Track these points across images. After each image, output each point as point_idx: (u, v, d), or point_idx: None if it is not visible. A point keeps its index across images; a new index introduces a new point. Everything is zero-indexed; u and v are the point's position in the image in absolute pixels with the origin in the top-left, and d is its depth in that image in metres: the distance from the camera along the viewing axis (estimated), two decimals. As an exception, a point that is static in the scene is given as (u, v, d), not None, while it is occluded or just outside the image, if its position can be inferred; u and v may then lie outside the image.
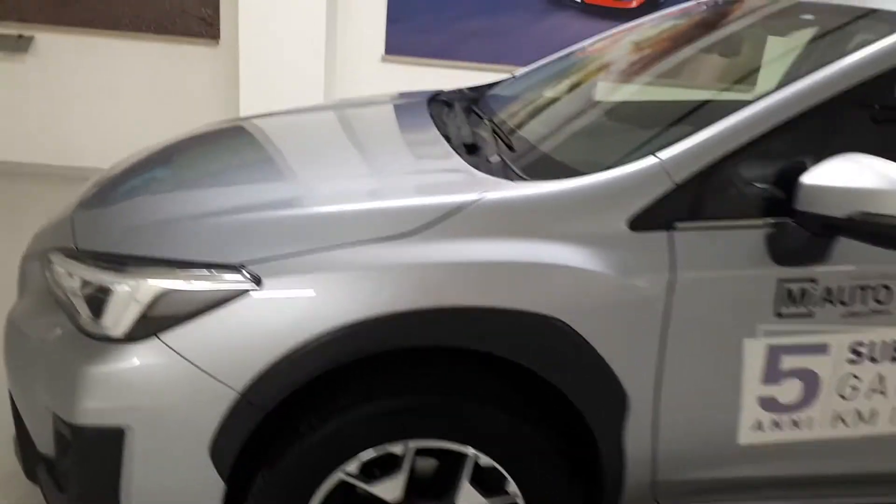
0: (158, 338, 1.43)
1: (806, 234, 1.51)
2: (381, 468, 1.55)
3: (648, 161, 1.55)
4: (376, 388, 1.54)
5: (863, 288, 1.55)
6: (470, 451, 1.55)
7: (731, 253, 1.54)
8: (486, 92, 2.55)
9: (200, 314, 1.42)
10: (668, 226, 1.53)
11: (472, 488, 1.57)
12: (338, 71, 4.60)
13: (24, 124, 4.70)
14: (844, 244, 1.54)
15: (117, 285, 1.46)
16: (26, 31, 4.58)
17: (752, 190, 1.57)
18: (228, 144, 2.20)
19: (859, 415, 1.65)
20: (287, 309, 1.43)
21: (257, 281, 1.43)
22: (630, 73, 2.49)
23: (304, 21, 4.22)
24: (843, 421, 1.65)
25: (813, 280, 1.54)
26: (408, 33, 4.55)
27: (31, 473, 1.74)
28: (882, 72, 1.55)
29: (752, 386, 1.58)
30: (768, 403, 1.61)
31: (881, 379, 1.63)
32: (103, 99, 4.70)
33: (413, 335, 1.47)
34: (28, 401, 1.65)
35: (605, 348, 1.50)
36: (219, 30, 4.53)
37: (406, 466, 1.54)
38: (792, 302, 1.54)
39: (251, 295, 1.42)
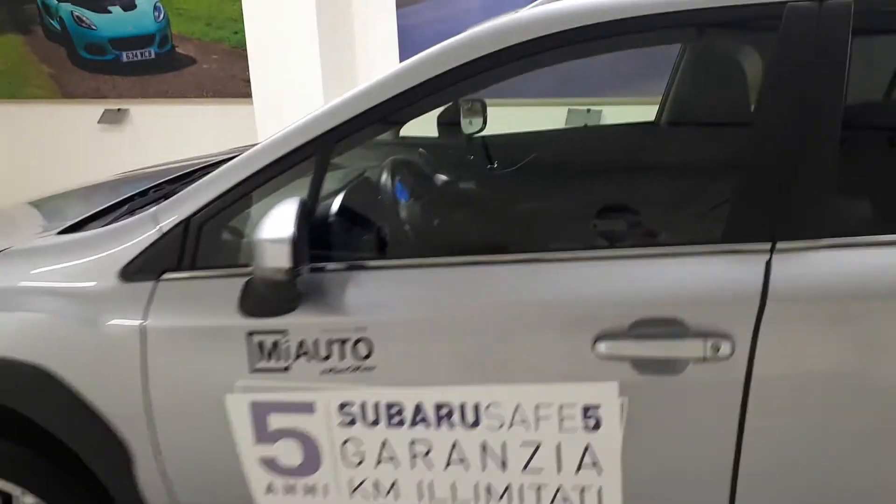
0: None
1: (268, 282, 1.41)
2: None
3: (142, 212, 1.56)
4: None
5: (339, 341, 1.40)
6: (17, 490, 1.65)
7: (209, 304, 1.48)
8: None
9: None
10: (157, 275, 1.52)
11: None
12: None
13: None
14: (313, 293, 1.41)
15: None
16: (123, 105, 5.43)
17: (237, 239, 1.51)
18: None
19: (377, 487, 1.47)
20: None
21: None
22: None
23: (307, 75, 4.51)
24: (362, 492, 1.47)
25: (283, 332, 1.42)
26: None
27: None
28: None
29: (248, 445, 1.49)
30: (271, 465, 1.49)
31: (385, 445, 1.43)
32: (181, 154, 5.38)
33: None
34: None
35: (98, 398, 1.52)
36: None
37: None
38: (265, 356, 1.44)
39: None
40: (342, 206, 1.57)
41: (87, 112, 5.30)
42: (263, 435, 1.47)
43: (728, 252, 1.30)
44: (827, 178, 1.28)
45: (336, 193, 1.70)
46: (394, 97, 1.43)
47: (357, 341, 1.39)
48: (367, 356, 1.39)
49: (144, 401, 1.50)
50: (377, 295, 1.42)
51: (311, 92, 4.48)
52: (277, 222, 1.30)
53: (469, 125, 2.85)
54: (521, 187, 2.22)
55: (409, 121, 1.59)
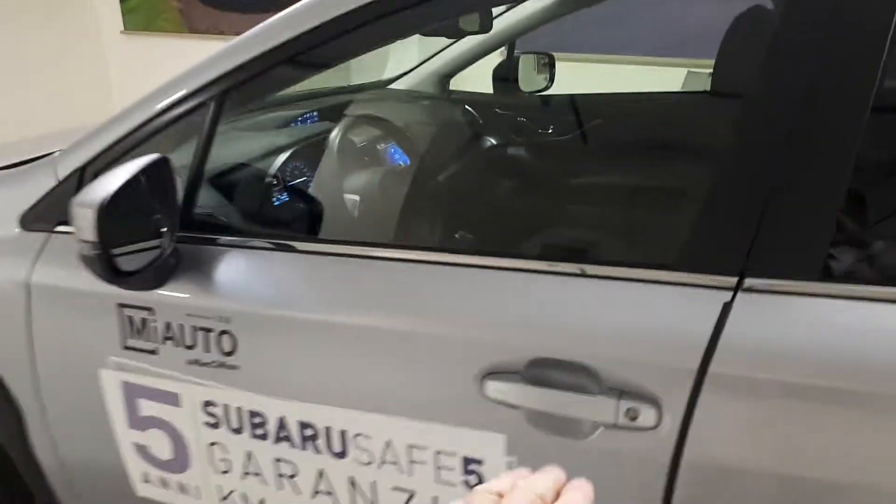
0: None
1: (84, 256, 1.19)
2: None
3: (46, 158, 1.40)
4: None
5: (204, 330, 1.18)
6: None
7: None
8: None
9: None
10: (53, 225, 1.36)
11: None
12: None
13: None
14: (189, 268, 1.19)
15: None
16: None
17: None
18: None
19: (245, 501, 1.25)
20: None
21: None
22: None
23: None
24: (231, 502, 1.26)
25: (150, 309, 1.22)
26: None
27: None
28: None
29: (123, 428, 1.32)
30: (145, 454, 1.32)
31: (250, 457, 1.20)
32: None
33: None
34: None
35: None
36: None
37: None
38: (136, 333, 1.24)
39: None
40: (255, 171, 1.33)
41: (210, 47, 5.35)
42: (135, 420, 1.29)
43: (677, 283, 0.93)
44: (831, 195, 0.87)
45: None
46: (304, 34, 1.15)
47: (221, 333, 1.16)
48: (231, 352, 1.16)
49: (30, 359, 1.36)
50: (251, 281, 1.18)
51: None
52: (103, 183, 1.07)
53: (529, 82, 2.50)
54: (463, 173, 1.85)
55: (333, 64, 1.29)
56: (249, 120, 1.84)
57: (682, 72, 3.51)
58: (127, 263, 1.09)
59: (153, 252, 1.13)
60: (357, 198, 1.46)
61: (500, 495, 0.53)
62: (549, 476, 0.56)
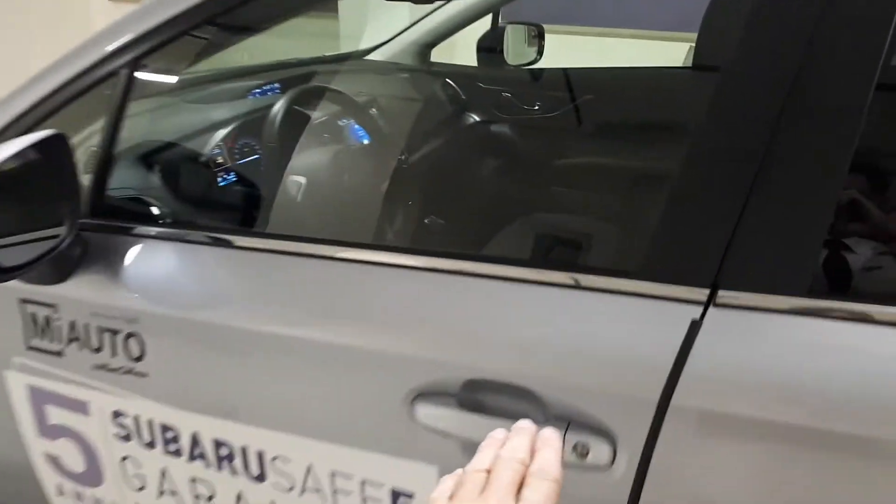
0: None
1: None
2: None
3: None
4: None
5: (110, 332, 1.04)
6: None
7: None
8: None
9: None
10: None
11: None
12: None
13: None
14: (97, 261, 1.05)
15: None
16: None
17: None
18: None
19: (163, 520, 1.12)
20: None
21: None
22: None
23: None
24: (149, 522, 1.13)
25: (53, 306, 1.08)
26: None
27: None
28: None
29: (32, 436, 1.18)
30: (57, 465, 1.19)
31: (165, 475, 1.07)
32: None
33: None
34: None
35: None
36: None
37: None
38: (40, 332, 1.11)
39: None
40: (186, 150, 1.18)
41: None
42: (45, 428, 1.16)
43: (637, 294, 0.78)
44: (824, 193, 0.72)
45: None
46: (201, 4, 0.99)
47: (128, 336, 1.02)
48: (140, 358, 1.02)
49: None
50: (165, 277, 1.03)
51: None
52: None
53: (517, 54, 2.32)
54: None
55: (265, 26, 1.13)
56: (203, 91, 1.69)
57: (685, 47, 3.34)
58: (10, 256, 0.95)
59: (47, 243, 0.98)
60: (301, 183, 1.30)
61: (488, 471, 0.57)
62: (525, 437, 0.60)
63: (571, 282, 0.80)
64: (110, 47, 1.05)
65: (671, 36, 3.43)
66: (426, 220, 1.43)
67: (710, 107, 0.75)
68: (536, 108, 2.22)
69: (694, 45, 2.69)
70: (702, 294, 0.75)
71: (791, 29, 0.71)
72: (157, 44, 1.03)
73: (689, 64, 2.79)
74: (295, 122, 1.39)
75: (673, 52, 3.10)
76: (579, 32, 3.50)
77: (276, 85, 1.85)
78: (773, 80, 0.72)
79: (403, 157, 1.58)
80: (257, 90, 1.78)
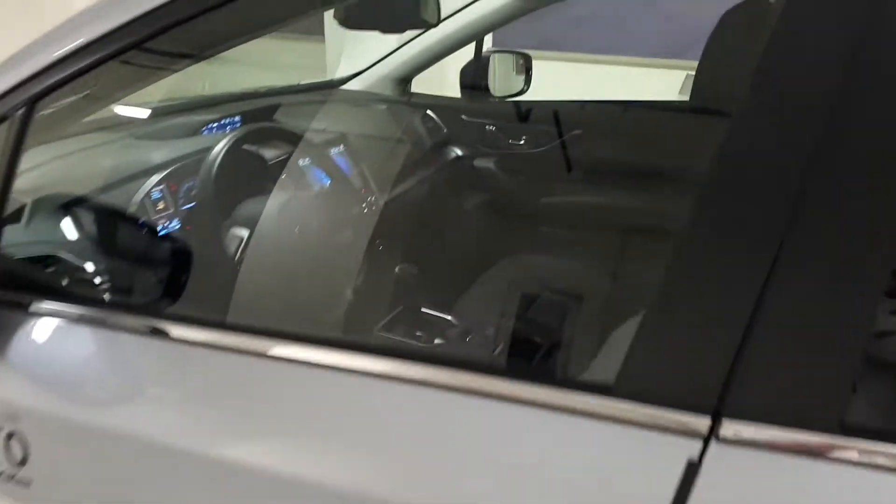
0: None
1: None
2: None
3: None
4: None
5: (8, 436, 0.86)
6: None
7: None
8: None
9: None
10: None
11: None
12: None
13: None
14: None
15: None
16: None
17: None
18: None
19: None
20: None
21: None
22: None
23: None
24: None
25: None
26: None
27: None
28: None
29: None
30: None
31: None
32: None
33: None
34: None
35: None
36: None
37: None
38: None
39: None
40: (93, 203, 1.01)
41: None
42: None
43: (620, 420, 0.61)
44: (862, 298, 0.55)
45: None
46: (118, 29, 0.83)
47: (9, 436, 0.85)
48: (23, 462, 0.85)
49: None
50: (56, 367, 0.86)
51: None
52: None
53: (502, 85, 2.17)
54: None
55: (186, 60, 0.96)
56: (154, 126, 1.52)
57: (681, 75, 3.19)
58: None
59: None
60: (238, 241, 1.11)
61: None
62: None
63: (530, 397, 0.63)
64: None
65: (666, 63, 3.30)
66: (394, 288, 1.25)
67: (714, 186, 0.58)
68: (522, 142, 2.06)
69: (692, 72, 2.54)
70: (701, 426, 0.58)
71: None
72: (52, 84, 0.87)
73: (686, 93, 2.64)
74: (241, 167, 1.22)
75: (669, 79, 2.95)
76: (571, 59, 3.36)
77: (237, 118, 1.69)
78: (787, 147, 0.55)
79: (368, 204, 1.41)
80: (214, 125, 1.61)
